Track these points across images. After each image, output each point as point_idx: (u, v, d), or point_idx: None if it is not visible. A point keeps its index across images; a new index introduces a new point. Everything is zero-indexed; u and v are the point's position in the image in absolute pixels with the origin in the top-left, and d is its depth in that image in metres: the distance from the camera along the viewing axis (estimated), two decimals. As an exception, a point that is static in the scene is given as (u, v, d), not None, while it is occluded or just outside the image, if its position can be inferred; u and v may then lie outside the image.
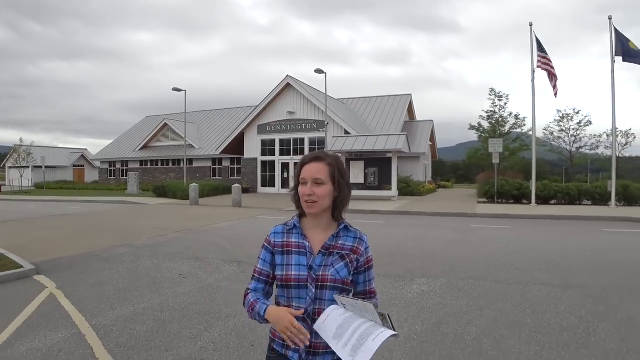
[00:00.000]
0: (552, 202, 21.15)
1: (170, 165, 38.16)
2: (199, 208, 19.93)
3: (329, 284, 1.71)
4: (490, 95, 37.70)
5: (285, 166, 30.50)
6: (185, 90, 27.23)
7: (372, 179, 24.44)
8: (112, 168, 41.80)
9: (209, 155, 35.94)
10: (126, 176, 38.63)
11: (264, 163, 31.26)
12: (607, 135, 41.01)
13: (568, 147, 44.04)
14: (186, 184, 25.24)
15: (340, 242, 1.79)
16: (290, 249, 1.77)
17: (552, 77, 19.67)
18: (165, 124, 38.72)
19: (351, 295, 1.80)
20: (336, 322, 1.57)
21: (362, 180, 24.52)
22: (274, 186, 30.67)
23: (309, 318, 1.70)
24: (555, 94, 20.30)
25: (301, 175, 1.76)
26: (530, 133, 23.42)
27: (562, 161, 48.72)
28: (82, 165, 53.16)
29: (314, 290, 1.71)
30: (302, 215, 1.83)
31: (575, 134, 42.67)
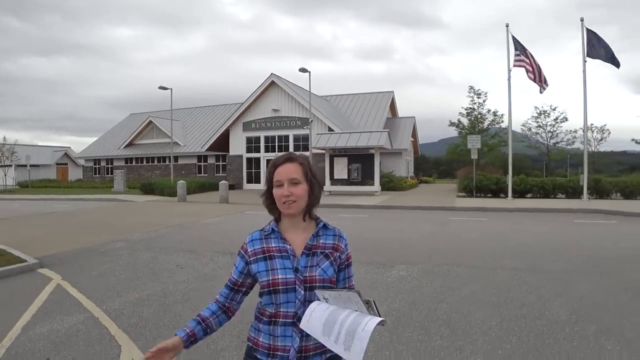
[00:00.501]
0: (528, 195, 22.03)
1: (156, 162, 38.37)
2: (187, 204, 20.35)
3: (317, 284, 1.70)
4: (469, 92, 38.84)
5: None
6: (171, 89, 27.56)
7: (356, 174, 25.07)
8: (97, 166, 41.85)
9: (195, 153, 36.26)
10: (111, 174, 38.77)
11: (249, 160, 31.72)
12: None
13: (545, 143, 45.37)
14: (173, 181, 25.61)
15: (321, 241, 1.79)
16: (272, 253, 1.75)
17: (535, 73, 20.17)
18: (150, 122, 38.90)
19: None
20: (322, 318, 1.55)
21: (345, 176, 25.14)
22: (259, 182, 31.14)
23: (299, 321, 1.66)
24: (541, 90, 20.62)
25: (275, 177, 1.74)
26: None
27: (542, 156, 50.08)
28: (66, 164, 52.98)
29: (302, 292, 1.70)
30: (277, 219, 1.83)
31: (552, 129, 44.00)
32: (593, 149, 49.31)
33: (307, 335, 1.63)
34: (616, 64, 19.15)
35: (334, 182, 25.09)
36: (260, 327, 1.75)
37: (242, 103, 31.44)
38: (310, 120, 26.55)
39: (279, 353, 1.69)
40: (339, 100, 39.09)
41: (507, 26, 20.39)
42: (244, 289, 1.83)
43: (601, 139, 49.55)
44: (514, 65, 20.18)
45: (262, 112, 30.86)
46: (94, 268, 7.55)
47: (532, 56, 19.98)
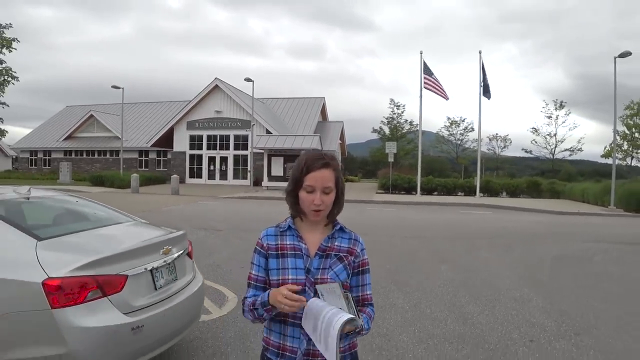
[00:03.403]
0: (435, 193, 26.47)
1: (96, 155, 39.54)
2: (143, 195, 22.63)
3: None
4: (390, 104, 44.13)
5: (212, 160, 33.81)
6: (122, 88, 29.49)
7: (290, 172, 28.61)
8: (34, 157, 42.08)
9: (136, 147, 37.96)
10: (49, 166, 39.49)
11: (192, 156, 34.25)
12: (489, 139, 49.17)
13: (455, 149, 51.63)
14: (123, 174, 27.62)
15: (336, 243, 1.73)
16: (285, 251, 1.69)
17: (439, 92, 24.78)
18: (92, 115, 39.93)
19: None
20: (312, 317, 1.57)
21: (281, 173, 28.59)
22: (202, 177, 33.87)
23: None
24: (446, 98, 25.26)
25: (308, 182, 1.66)
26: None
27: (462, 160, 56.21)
28: (-6, 154, 51.92)
29: (312, 295, 1.63)
30: (294, 215, 1.77)
31: (461, 137, 50.20)
32: (498, 154, 56.30)
33: None
34: (487, 97, 24.51)
35: (271, 178, 28.46)
36: (272, 327, 1.73)
37: (189, 102, 34.04)
38: (252, 124, 29.63)
39: (287, 354, 1.68)
40: (275, 103, 42.27)
41: (421, 53, 24.60)
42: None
43: (504, 147, 56.48)
44: (424, 87, 24.46)
45: (206, 112, 33.49)
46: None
47: (436, 81, 24.57)
